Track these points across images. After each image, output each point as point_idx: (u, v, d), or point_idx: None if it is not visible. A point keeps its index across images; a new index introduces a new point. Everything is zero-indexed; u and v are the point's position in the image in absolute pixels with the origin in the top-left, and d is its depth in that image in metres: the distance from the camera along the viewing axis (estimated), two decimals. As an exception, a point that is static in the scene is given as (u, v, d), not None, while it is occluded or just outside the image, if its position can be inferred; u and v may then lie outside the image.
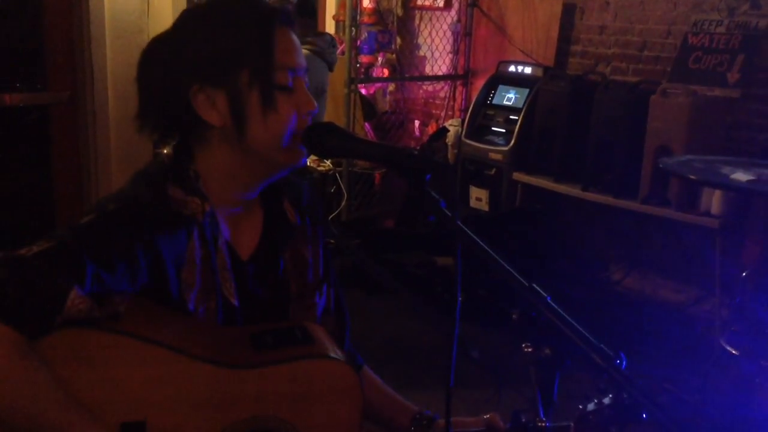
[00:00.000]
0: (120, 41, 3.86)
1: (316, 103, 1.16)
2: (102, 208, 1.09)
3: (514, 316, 0.98)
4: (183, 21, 1.16)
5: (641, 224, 4.14)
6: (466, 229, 0.91)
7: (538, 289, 0.86)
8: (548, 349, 0.85)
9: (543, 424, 0.89)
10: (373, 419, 1.36)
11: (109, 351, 1.04)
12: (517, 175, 4.43)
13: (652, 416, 0.81)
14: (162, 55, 1.14)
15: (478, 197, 4.67)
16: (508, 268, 0.88)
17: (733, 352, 3.28)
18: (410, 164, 1.00)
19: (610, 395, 1.26)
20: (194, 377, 1.07)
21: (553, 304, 0.85)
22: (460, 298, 0.93)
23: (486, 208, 4.63)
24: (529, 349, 0.87)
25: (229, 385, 1.08)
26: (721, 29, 3.87)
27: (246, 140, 1.13)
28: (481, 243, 0.90)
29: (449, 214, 0.93)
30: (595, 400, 1.25)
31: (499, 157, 4.50)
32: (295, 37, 1.16)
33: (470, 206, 4.71)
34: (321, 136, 1.12)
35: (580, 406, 1.26)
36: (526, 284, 0.87)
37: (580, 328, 0.83)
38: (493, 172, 4.55)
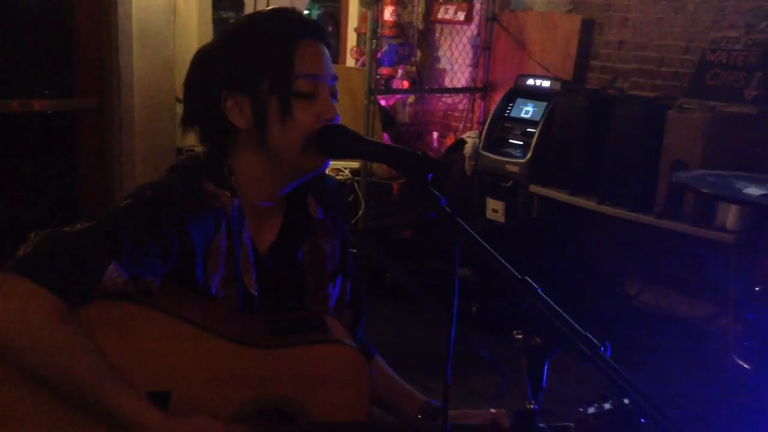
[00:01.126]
0: (147, 50, 3.96)
1: (337, 111, 1.24)
2: (140, 193, 1.18)
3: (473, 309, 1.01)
4: (223, 34, 1.28)
5: (657, 238, 4.15)
6: (464, 224, 0.97)
7: (531, 281, 0.92)
8: (538, 337, 0.90)
9: (532, 406, 0.94)
10: (382, 407, 1.42)
11: (141, 323, 1.13)
12: (534, 188, 4.46)
13: (638, 406, 0.85)
14: (202, 64, 1.26)
15: (495, 209, 4.71)
16: (503, 261, 0.94)
17: (745, 366, 3.29)
18: (413, 163, 1.07)
19: (611, 401, 1.30)
20: (217, 354, 1.15)
21: (544, 296, 0.91)
22: (458, 292, 0.98)
23: (502, 219, 4.67)
24: (520, 336, 0.92)
25: (249, 363, 1.16)
26: (739, 46, 3.90)
27: (266, 142, 1.22)
28: (477, 237, 0.96)
29: (449, 210, 1.00)
30: (596, 405, 1.29)
31: (516, 169, 4.54)
32: (322, 48, 1.25)
33: (487, 217, 4.75)
34: (331, 137, 1.19)
35: (581, 409, 1.30)
36: (519, 277, 0.93)
37: (570, 319, 0.88)
38: (510, 184, 4.60)
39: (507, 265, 0.93)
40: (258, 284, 1.29)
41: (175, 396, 1.14)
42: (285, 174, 1.28)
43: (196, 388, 1.15)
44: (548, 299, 0.90)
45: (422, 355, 3.63)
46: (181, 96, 4.92)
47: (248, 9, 6.08)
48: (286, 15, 1.26)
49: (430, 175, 1.03)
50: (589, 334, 0.88)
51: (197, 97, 1.27)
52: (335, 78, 1.27)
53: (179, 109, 4.67)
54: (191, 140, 4.99)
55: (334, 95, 1.26)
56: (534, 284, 0.92)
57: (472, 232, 0.95)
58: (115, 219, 1.13)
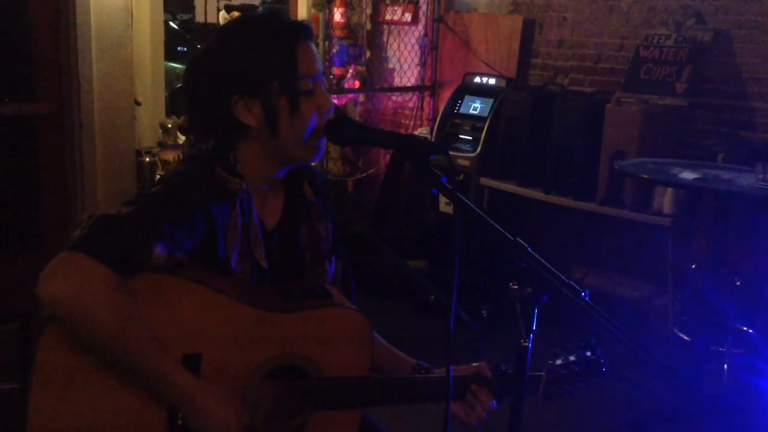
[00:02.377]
0: (105, 54, 4.01)
1: (332, 101, 1.40)
2: (167, 181, 1.34)
3: (484, 312, 1.21)
4: (222, 38, 1.40)
5: (599, 225, 4.41)
6: (463, 198, 1.14)
7: (521, 241, 1.10)
8: (529, 288, 1.08)
9: (526, 344, 1.12)
10: (376, 369, 1.58)
11: (176, 293, 1.27)
12: (484, 180, 4.67)
13: (616, 338, 1.04)
14: (207, 69, 1.39)
15: (447, 202, 4.92)
16: (497, 227, 1.12)
17: (685, 338, 3.57)
18: (416, 147, 1.24)
19: (575, 353, 1.53)
20: (241, 319, 1.30)
21: (533, 252, 1.09)
22: (458, 262, 1.15)
23: (454, 211, 4.87)
24: (515, 287, 1.10)
25: (268, 326, 1.32)
26: (670, 43, 4.18)
27: (276, 137, 1.38)
28: (475, 208, 1.13)
29: (449, 186, 1.17)
30: (562, 357, 1.51)
31: (466, 163, 4.74)
32: (312, 47, 1.41)
33: (440, 210, 4.95)
34: (341, 128, 1.36)
35: (550, 361, 1.52)
36: (512, 238, 1.11)
37: (555, 270, 1.07)
38: (461, 177, 4.80)
39: (501, 229, 1.11)
40: (267, 258, 1.45)
41: (205, 357, 1.29)
42: (281, 160, 1.44)
43: (224, 349, 1.30)
44: (537, 255, 1.09)
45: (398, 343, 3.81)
46: (139, 99, 4.97)
47: (198, 12, 6.15)
48: (280, 18, 1.41)
49: (432, 157, 1.20)
50: (572, 282, 1.06)
51: (207, 104, 1.39)
52: (324, 74, 1.44)
53: (138, 111, 4.74)
54: (149, 142, 5.10)
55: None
56: (524, 243, 1.10)
57: (469, 203, 1.13)
58: (153, 203, 1.27)
